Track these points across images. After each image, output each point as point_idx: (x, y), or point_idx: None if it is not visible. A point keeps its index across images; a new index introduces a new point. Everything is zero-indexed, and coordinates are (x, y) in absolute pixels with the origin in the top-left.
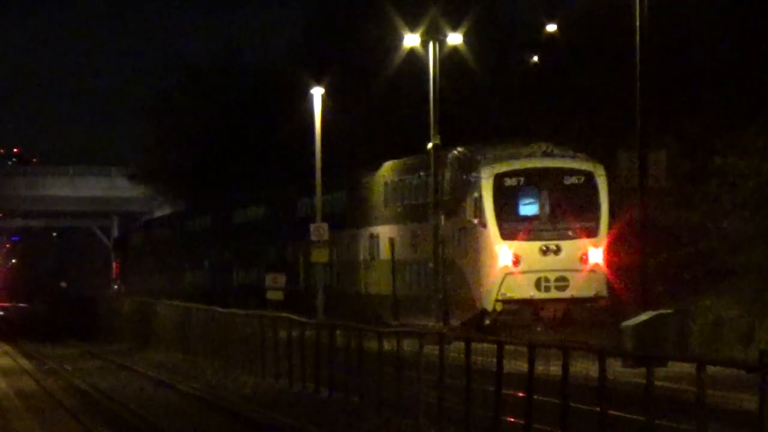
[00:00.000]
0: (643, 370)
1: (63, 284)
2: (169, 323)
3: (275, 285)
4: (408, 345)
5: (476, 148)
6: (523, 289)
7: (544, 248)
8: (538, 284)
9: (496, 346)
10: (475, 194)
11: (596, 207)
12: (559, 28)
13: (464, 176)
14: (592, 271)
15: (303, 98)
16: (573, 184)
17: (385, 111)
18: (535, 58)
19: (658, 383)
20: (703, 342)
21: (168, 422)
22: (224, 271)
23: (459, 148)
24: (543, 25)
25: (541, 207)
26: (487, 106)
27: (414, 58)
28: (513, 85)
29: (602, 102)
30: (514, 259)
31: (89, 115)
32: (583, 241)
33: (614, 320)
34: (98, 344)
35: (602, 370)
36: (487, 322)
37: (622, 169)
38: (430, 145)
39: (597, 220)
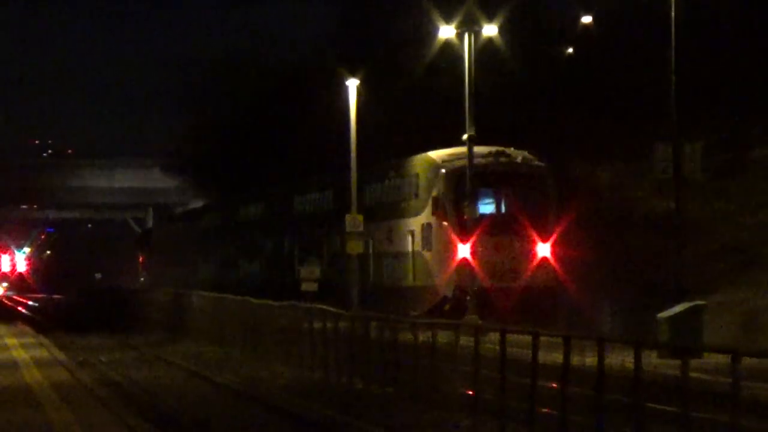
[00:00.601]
0: (679, 361)
1: (98, 275)
2: (204, 314)
3: (310, 276)
4: (443, 337)
5: (440, 152)
6: (479, 278)
7: (498, 243)
8: (492, 274)
9: (531, 337)
10: (437, 193)
11: (545, 205)
12: (594, 20)
13: (429, 178)
14: (541, 263)
15: (337, 90)
16: (525, 185)
17: (420, 102)
18: (570, 50)
19: (693, 375)
20: (739, 333)
21: (202, 414)
22: (234, 264)
23: (427, 153)
24: (578, 17)
25: (497, 205)
26: (520, 98)
27: (449, 50)
28: (547, 76)
29: (638, 93)
30: (471, 252)
31: (123, 107)
32: (533, 237)
33: (565, 308)
34: (132, 335)
35: (637, 361)
36: (447, 307)
37: (657, 161)
38: (465, 137)
39: (546, 217)
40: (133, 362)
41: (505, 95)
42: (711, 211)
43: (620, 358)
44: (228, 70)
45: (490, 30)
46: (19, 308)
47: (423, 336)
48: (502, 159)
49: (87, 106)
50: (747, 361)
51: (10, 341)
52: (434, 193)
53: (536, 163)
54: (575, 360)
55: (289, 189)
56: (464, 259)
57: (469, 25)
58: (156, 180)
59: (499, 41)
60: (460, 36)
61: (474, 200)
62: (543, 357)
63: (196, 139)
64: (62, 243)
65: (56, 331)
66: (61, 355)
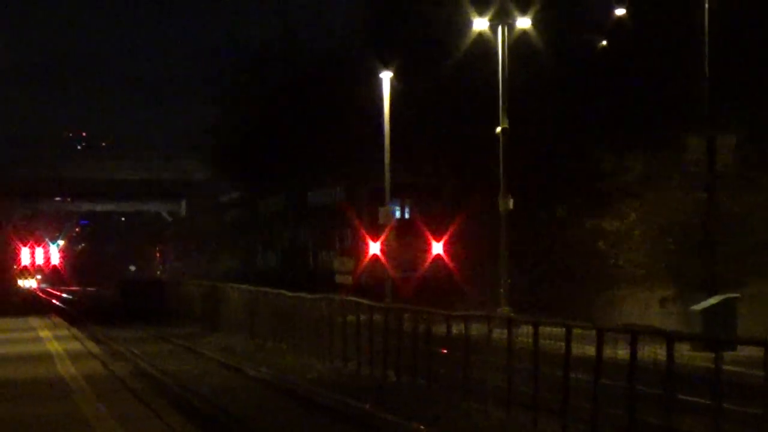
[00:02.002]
0: (712, 353)
1: (132, 267)
2: (237, 307)
3: (344, 269)
4: (475, 329)
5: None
6: (391, 269)
7: (403, 242)
8: (398, 267)
9: (564, 329)
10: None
11: (441, 211)
12: (627, 11)
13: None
14: (435, 259)
15: (369, 82)
16: (425, 195)
17: (453, 95)
18: (604, 42)
19: (726, 367)
20: None
21: (236, 406)
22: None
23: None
24: (611, 9)
25: (402, 212)
26: (553, 91)
27: (483, 44)
28: (580, 69)
29: (670, 86)
30: (382, 249)
31: (156, 98)
32: (429, 238)
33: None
34: (166, 328)
35: (670, 354)
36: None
37: (690, 154)
38: (498, 130)
39: (442, 221)
40: (167, 354)
41: (538, 88)
42: (743, 203)
43: (653, 351)
44: (261, 60)
45: (523, 22)
46: (53, 301)
47: (456, 328)
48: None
49: (121, 98)
50: None
51: (44, 333)
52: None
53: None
54: (608, 352)
55: (303, 184)
56: (374, 255)
57: (503, 17)
58: (189, 172)
59: (532, 34)
60: (493, 28)
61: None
62: (575, 349)
63: (228, 130)
64: (96, 235)
65: (90, 324)
66: (94, 348)
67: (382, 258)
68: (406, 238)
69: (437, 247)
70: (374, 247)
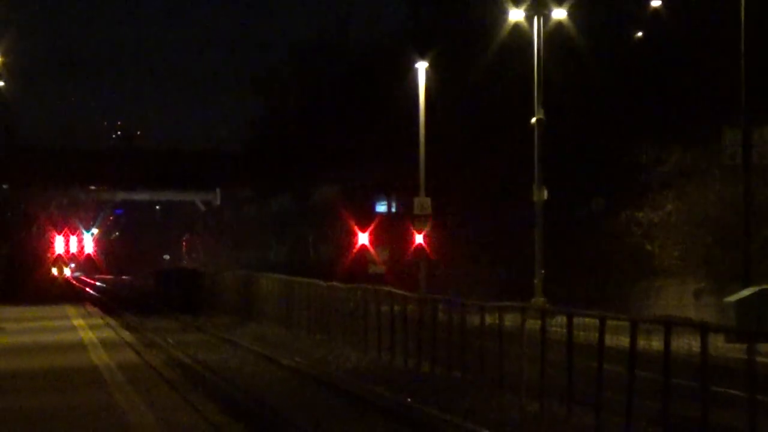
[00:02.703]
0: (745, 345)
1: (166, 257)
2: (272, 297)
3: (377, 259)
4: (509, 320)
5: None
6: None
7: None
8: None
9: (598, 321)
10: None
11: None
12: (663, 2)
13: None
14: (417, 248)
15: (408, 73)
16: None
17: (490, 85)
18: (640, 34)
19: (760, 359)
20: None
21: (270, 396)
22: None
23: None
24: (647, 0)
25: (388, 207)
26: (591, 83)
27: (519, 35)
28: (616, 60)
29: (707, 78)
30: (370, 240)
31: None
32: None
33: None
34: (200, 317)
35: (704, 345)
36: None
37: (726, 146)
38: (533, 120)
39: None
40: (201, 344)
41: (575, 79)
42: None
43: (687, 342)
44: (298, 56)
45: (559, 13)
46: (87, 289)
47: (490, 319)
48: None
49: (157, 89)
50: None
51: (78, 322)
52: None
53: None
54: (641, 343)
55: (306, 182)
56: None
57: (539, 8)
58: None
59: (568, 25)
60: (529, 19)
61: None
62: (609, 341)
63: (263, 125)
64: (131, 224)
65: (124, 313)
66: (128, 337)
67: (370, 248)
68: (392, 231)
69: (419, 239)
70: (363, 238)
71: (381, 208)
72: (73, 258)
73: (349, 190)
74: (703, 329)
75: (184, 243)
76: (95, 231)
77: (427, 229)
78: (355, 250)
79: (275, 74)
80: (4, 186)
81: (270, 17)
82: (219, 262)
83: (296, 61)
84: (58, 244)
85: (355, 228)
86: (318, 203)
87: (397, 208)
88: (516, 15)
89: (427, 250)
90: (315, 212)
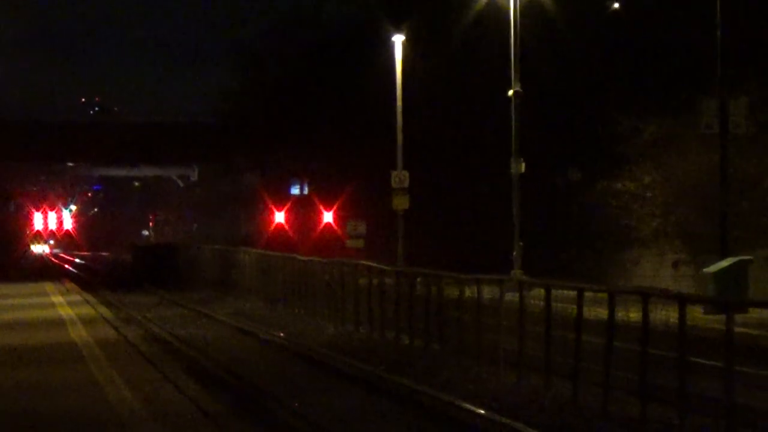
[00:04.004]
0: (723, 316)
1: (144, 232)
2: (250, 271)
3: (355, 233)
4: (488, 292)
5: None
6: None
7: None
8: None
9: (576, 292)
10: None
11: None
12: None
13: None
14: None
15: (383, 46)
16: (320, 174)
17: (465, 59)
18: (616, 5)
19: (738, 330)
20: None
21: (248, 370)
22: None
23: None
24: None
25: (300, 189)
26: (567, 54)
27: (495, 6)
28: (594, 32)
29: (683, 48)
30: (286, 219)
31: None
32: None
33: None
34: (179, 292)
35: (682, 316)
36: None
37: (703, 116)
38: (510, 92)
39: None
40: (180, 319)
41: (551, 50)
42: (757, 166)
43: (665, 313)
44: (276, 28)
45: None
46: (66, 266)
47: (468, 291)
48: None
49: (135, 63)
50: None
51: (57, 299)
52: None
53: None
54: (619, 315)
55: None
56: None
57: None
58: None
59: None
60: None
61: None
62: (587, 312)
63: (241, 98)
64: (110, 200)
65: (102, 289)
66: (107, 312)
67: (286, 226)
68: (304, 210)
69: (327, 216)
70: (279, 216)
71: (295, 190)
72: (51, 234)
73: (267, 175)
74: (680, 300)
75: (151, 218)
76: (73, 207)
77: (406, 204)
78: (272, 227)
79: (249, 47)
80: None
81: None
82: (180, 237)
83: (272, 34)
84: (37, 221)
85: (272, 207)
86: (248, 185)
87: (308, 191)
88: None
89: (336, 228)
90: (246, 192)
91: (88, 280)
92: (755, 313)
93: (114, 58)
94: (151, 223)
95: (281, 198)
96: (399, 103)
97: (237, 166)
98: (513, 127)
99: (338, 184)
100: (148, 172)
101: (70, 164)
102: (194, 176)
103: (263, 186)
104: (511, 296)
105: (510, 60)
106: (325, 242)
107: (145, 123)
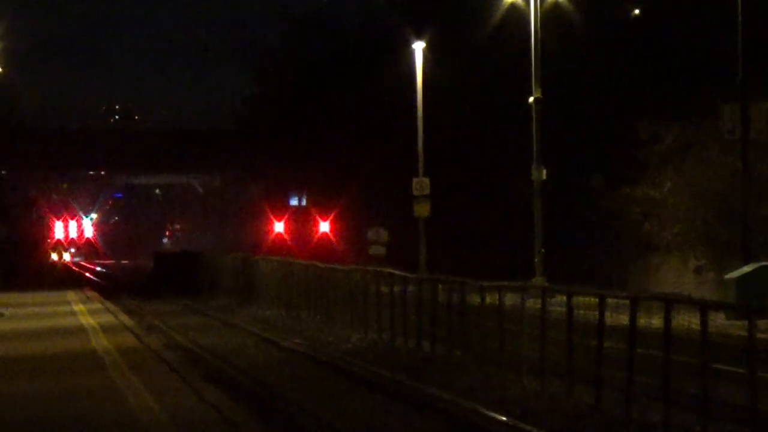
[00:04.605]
0: (746, 322)
1: (165, 240)
2: (271, 278)
3: (377, 240)
4: (509, 299)
5: None
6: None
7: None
8: (297, 240)
9: (598, 299)
10: None
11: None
12: None
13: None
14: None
15: (404, 52)
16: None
17: (486, 65)
18: (637, 11)
19: (760, 335)
20: None
21: (271, 378)
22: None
23: None
24: None
25: (299, 200)
26: (588, 60)
27: (516, 13)
28: (614, 38)
29: (705, 53)
30: (285, 228)
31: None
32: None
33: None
34: (200, 300)
35: (704, 322)
36: None
37: (725, 122)
38: (531, 99)
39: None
40: (201, 327)
41: (572, 57)
42: None
43: (687, 320)
44: (298, 32)
45: None
46: (87, 274)
47: (490, 298)
48: None
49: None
50: None
51: (78, 307)
52: None
53: None
54: (642, 321)
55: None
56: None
57: None
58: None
59: (565, 2)
60: None
61: None
62: (609, 318)
63: (260, 104)
64: (131, 208)
65: (124, 297)
66: (128, 321)
67: (285, 235)
68: (302, 220)
69: (324, 226)
70: (278, 226)
71: (293, 201)
72: (72, 243)
73: (269, 185)
74: (702, 306)
75: (168, 226)
76: (94, 216)
77: (427, 211)
78: (317, 236)
79: (269, 54)
80: (2, 171)
81: None
82: (194, 246)
83: (291, 40)
84: (58, 229)
85: (272, 217)
86: (251, 195)
87: (307, 202)
88: None
89: (332, 237)
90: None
91: (109, 288)
92: None
93: (135, 64)
94: (168, 232)
95: (281, 208)
96: (420, 110)
97: (243, 176)
98: (534, 133)
99: (335, 196)
100: (169, 179)
101: (91, 172)
102: (217, 183)
103: (265, 196)
104: (533, 302)
105: (531, 66)
106: (322, 250)
107: (165, 130)
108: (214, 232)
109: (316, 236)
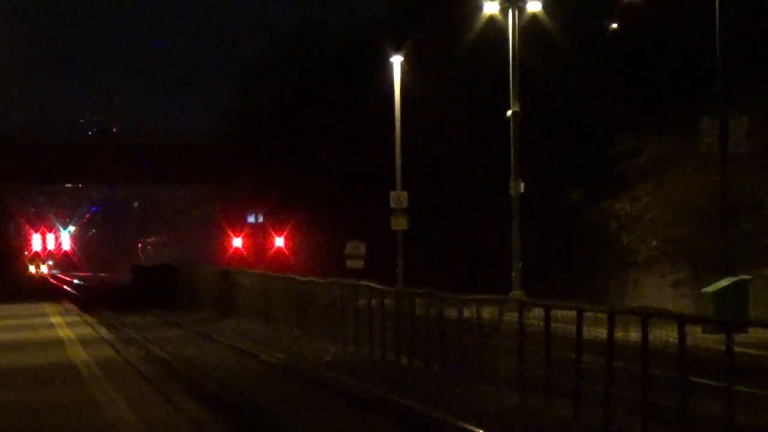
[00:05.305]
0: (723, 336)
1: (142, 254)
2: (250, 292)
3: (355, 253)
4: (487, 313)
5: None
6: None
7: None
8: (254, 254)
9: (576, 312)
10: None
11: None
12: None
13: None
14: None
15: (383, 66)
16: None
17: (465, 78)
18: (615, 25)
19: (738, 349)
20: None
21: (249, 390)
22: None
23: None
24: None
25: (255, 218)
26: (568, 74)
27: (495, 27)
28: (594, 52)
29: (683, 68)
30: (243, 244)
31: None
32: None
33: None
34: (179, 313)
35: (681, 336)
36: None
37: (703, 136)
38: (509, 113)
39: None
40: (180, 340)
41: (551, 71)
42: (757, 186)
43: (664, 333)
44: (276, 49)
45: (534, 6)
46: (65, 287)
47: (468, 312)
48: None
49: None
50: None
51: (56, 320)
52: None
53: None
54: (619, 335)
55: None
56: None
57: (514, 0)
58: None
59: (543, 17)
60: (504, 11)
61: None
62: (587, 332)
63: (240, 119)
64: (109, 221)
65: (102, 310)
66: (106, 333)
67: (242, 250)
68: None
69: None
70: (236, 241)
71: (250, 219)
72: (50, 255)
73: (226, 204)
74: (680, 320)
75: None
76: (72, 228)
77: (404, 224)
78: (272, 251)
79: (249, 68)
80: None
81: (247, 10)
82: (164, 260)
83: (271, 55)
84: (35, 242)
85: (230, 232)
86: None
87: (263, 219)
88: (491, 8)
89: (286, 253)
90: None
91: (87, 300)
92: (755, 333)
93: (114, 78)
94: (140, 244)
95: (239, 225)
96: (398, 123)
97: (210, 192)
98: (512, 147)
99: (290, 213)
100: (147, 192)
101: (68, 185)
102: (185, 198)
103: (222, 214)
104: (511, 316)
105: (509, 80)
106: (277, 264)
107: (144, 144)
108: (181, 246)
109: (272, 250)
